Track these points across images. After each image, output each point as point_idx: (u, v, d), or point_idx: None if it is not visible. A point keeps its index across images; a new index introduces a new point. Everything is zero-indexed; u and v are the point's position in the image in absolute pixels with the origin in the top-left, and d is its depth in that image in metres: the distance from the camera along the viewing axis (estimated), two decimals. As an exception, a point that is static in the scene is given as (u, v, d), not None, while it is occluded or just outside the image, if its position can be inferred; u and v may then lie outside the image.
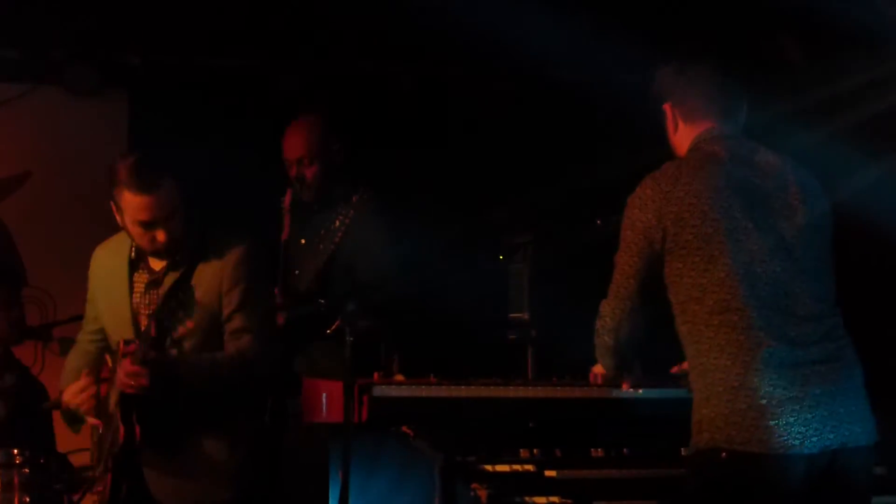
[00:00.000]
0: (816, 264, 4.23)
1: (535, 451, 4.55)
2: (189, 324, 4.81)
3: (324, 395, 4.80)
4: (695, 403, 4.15)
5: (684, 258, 4.14)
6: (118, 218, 5.00)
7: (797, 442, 3.99)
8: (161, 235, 4.93)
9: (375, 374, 4.68)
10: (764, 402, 4.02)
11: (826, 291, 4.23)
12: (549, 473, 4.47)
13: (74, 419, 5.15)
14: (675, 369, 4.72)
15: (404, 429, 4.52)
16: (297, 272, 5.85)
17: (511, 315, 5.26)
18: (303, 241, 5.94)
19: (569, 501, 4.40)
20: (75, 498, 5.60)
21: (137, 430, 4.90)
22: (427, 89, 7.37)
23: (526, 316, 5.20)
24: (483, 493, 4.33)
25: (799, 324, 4.13)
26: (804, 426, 4.02)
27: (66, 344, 6.42)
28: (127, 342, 4.88)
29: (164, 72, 7.28)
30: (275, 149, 6.03)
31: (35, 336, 6.75)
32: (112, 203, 4.98)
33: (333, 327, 4.98)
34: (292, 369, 5.71)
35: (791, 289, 4.15)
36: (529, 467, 4.48)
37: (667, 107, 4.40)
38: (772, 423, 3.99)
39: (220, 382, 4.97)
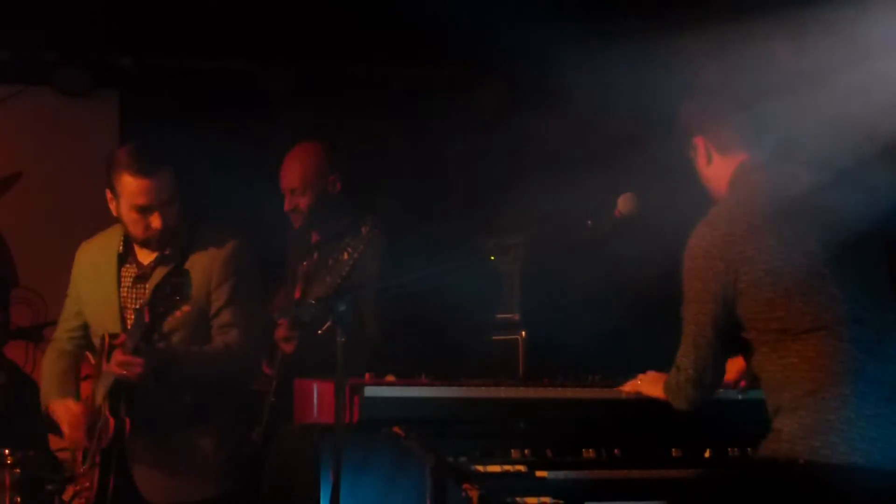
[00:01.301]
0: (875, 275, 4.26)
1: (526, 451, 4.53)
2: (178, 314, 4.84)
3: (315, 394, 4.80)
4: (774, 413, 4.17)
5: (758, 295, 4.15)
6: (113, 206, 5.05)
7: (879, 457, 4.01)
8: (156, 221, 4.97)
9: (367, 375, 4.67)
10: (853, 415, 4.04)
11: (891, 301, 4.25)
12: (541, 474, 4.45)
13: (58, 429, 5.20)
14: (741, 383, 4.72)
15: (395, 429, 4.50)
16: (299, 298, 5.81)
17: (502, 316, 5.26)
18: (305, 265, 5.92)
19: (560, 502, 4.39)
20: (66, 498, 5.59)
21: (128, 423, 4.92)
22: (416, 90, 7.37)
23: (516, 317, 5.21)
24: (474, 494, 4.31)
25: (873, 341, 4.16)
26: (886, 442, 4.04)
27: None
28: (113, 336, 4.90)
29: (155, 73, 7.30)
30: (264, 150, 6.03)
31: (26, 336, 6.76)
32: (108, 191, 5.04)
33: (324, 328, 4.95)
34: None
35: (867, 307, 4.17)
36: (520, 468, 4.46)
37: (699, 140, 4.39)
38: (857, 436, 4.01)
39: (208, 373, 5.02)
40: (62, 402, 5.12)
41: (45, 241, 7.40)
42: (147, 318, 4.86)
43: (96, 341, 5.15)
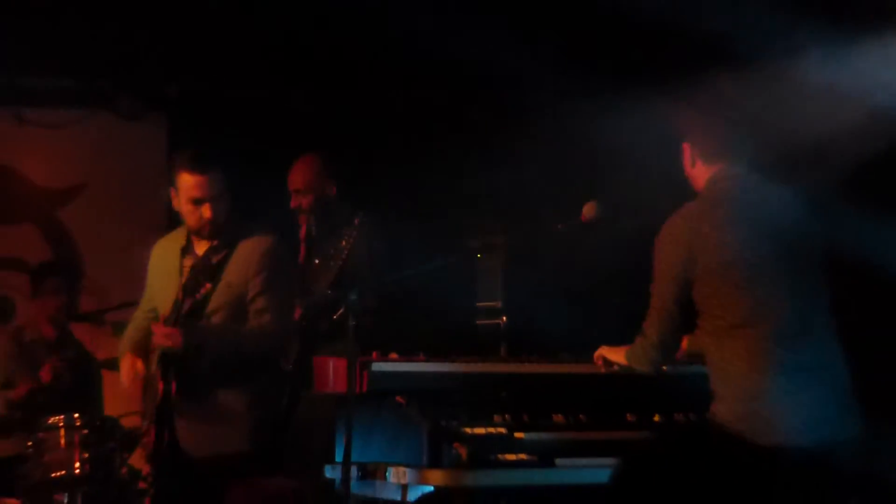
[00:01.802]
0: (814, 282, 4.27)
1: (506, 416, 4.54)
2: (216, 296, 4.93)
3: (331, 369, 4.82)
4: (712, 395, 4.18)
5: (710, 281, 4.16)
6: (175, 202, 5.09)
7: (799, 436, 4.03)
8: (207, 212, 5.00)
9: (374, 353, 4.67)
10: (774, 404, 4.05)
11: (822, 307, 4.25)
12: (519, 435, 4.46)
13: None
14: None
15: (398, 398, 4.52)
16: (313, 288, 5.82)
17: (486, 304, 5.26)
18: (316, 262, 5.94)
19: (534, 458, 4.39)
20: (125, 455, 5.60)
21: (174, 385, 4.93)
22: (414, 110, 7.36)
23: (499, 304, 5.21)
24: (463, 452, 4.30)
25: (802, 337, 4.16)
26: (804, 423, 4.04)
27: (117, 326, 6.44)
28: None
29: (197, 100, 7.28)
30: (287, 162, 6.05)
31: (90, 319, 6.76)
32: (172, 189, 5.07)
33: (339, 314, 4.97)
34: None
35: (797, 306, 4.18)
36: (502, 430, 4.46)
37: (686, 146, 4.39)
38: (779, 420, 4.02)
39: (241, 349, 5.01)
40: (130, 358, 5.13)
41: (106, 239, 7.42)
42: (180, 296, 4.92)
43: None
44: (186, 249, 5.16)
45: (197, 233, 5.12)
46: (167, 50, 7.00)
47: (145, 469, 5.20)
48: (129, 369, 5.11)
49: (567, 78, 6.09)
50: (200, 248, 5.14)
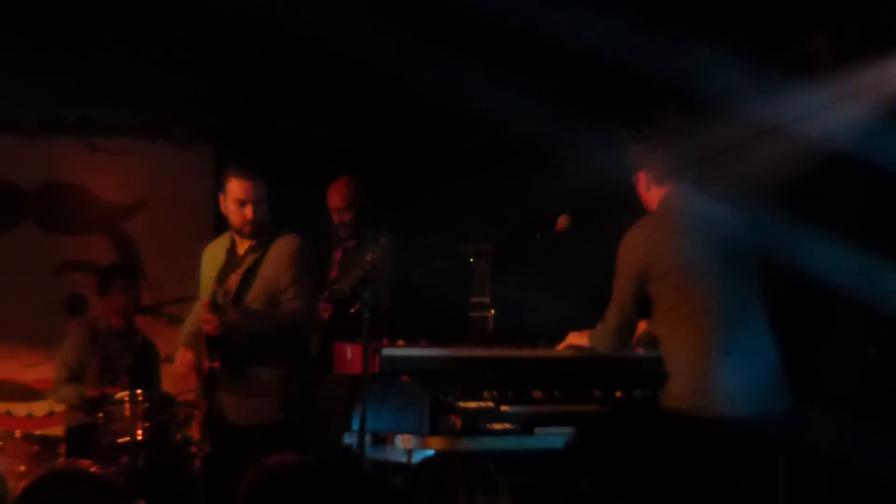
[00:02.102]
0: (750, 280, 4.30)
1: (493, 392, 4.55)
2: (256, 292, 4.92)
3: (349, 354, 4.85)
4: (666, 375, 4.23)
5: (663, 280, 4.20)
6: (223, 206, 5.10)
7: (738, 408, 4.07)
8: (249, 213, 5.02)
9: (384, 340, 4.70)
10: (717, 382, 4.10)
11: (759, 300, 4.30)
12: (504, 408, 4.49)
13: None
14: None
15: (404, 378, 4.55)
16: (337, 287, 5.80)
17: (477, 299, 5.27)
18: (343, 267, 5.91)
19: (517, 427, 4.44)
20: (179, 426, 5.65)
21: (218, 363, 4.96)
22: (420, 142, 7.37)
23: (487, 300, 5.22)
24: (458, 422, 4.35)
25: (741, 325, 4.19)
26: (743, 398, 4.09)
27: (172, 318, 6.49)
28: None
29: (239, 131, 7.28)
30: (316, 184, 6.05)
31: (150, 312, 6.77)
32: (221, 195, 5.09)
33: (355, 308, 4.99)
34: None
35: (736, 299, 4.21)
36: (490, 404, 4.49)
37: (641, 174, 4.42)
38: (721, 396, 4.07)
39: (271, 327, 5.02)
40: (183, 351, 5.12)
41: (162, 245, 7.43)
42: (214, 287, 4.96)
43: None
44: (231, 250, 5.18)
45: (239, 231, 5.11)
46: (213, 88, 7.00)
47: (196, 436, 5.23)
48: (181, 361, 5.12)
49: (543, 116, 6.13)
50: (242, 247, 5.15)
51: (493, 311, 5.18)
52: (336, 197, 5.95)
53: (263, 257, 5.07)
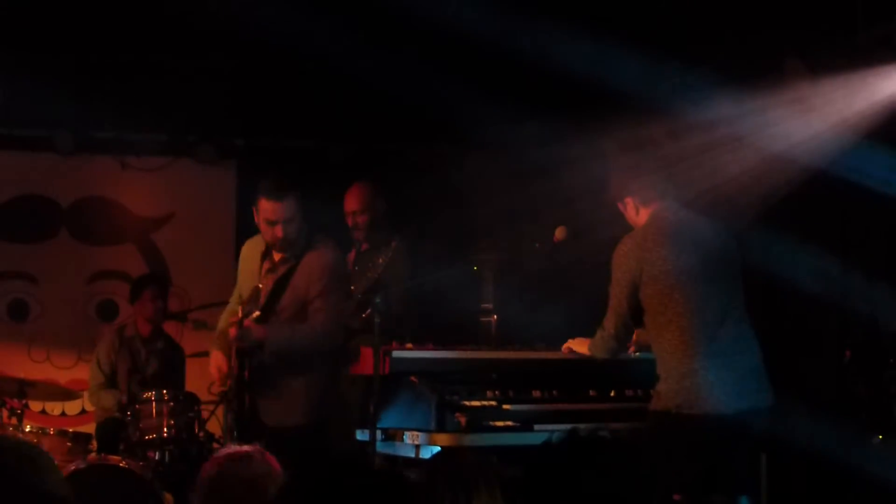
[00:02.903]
0: (732, 287, 4.27)
1: (496, 392, 4.55)
2: (286, 301, 4.80)
3: (361, 356, 4.82)
4: (657, 378, 4.21)
5: (652, 286, 4.19)
6: (256, 218, 4.95)
7: (722, 407, 4.06)
8: (279, 231, 4.87)
9: (393, 343, 4.69)
10: (701, 381, 4.08)
11: (740, 304, 4.28)
12: (506, 406, 4.48)
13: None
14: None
15: (412, 378, 4.54)
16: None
17: (482, 305, 5.24)
18: (356, 269, 5.79)
19: (518, 424, 4.42)
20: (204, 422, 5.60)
21: (247, 371, 4.87)
22: (428, 159, 7.36)
23: (491, 305, 5.19)
24: (463, 419, 4.34)
25: (723, 328, 4.18)
26: (726, 396, 4.07)
27: (198, 323, 6.47)
28: (244, 312, 4.88)
29: (259, 150, 7.29)
30: (330, 199, 6.01)
31: (177, 318, 6.75)
32: (253, 208, 4.95)
33: (367, 313, 4.95)
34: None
35: (719, 304, 4.19)
36: (493, 403, 4.48)
37: (628, 200, 4.40)
38: (706, 394, 4.05)
39: (294, 344, 4.90)
40: (216, 356, 5.01)
41: (189, 256, 7.40)
42: (244, 306, 4.84)
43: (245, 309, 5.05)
44: (266, 254, 5.03)
45: (271, 246, 4.99)
46: (236, 111, 7.01)
47: (218, 433, 5.16)
48: (213, 364, 5.01)
49: (544, 135, 6.13)
50: (277, 255, 5.00)
51: (495, 316, 5.16)
52: (352, 201, 5.85)
53: (296, 267, 4.91)
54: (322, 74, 6.20)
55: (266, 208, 4.88)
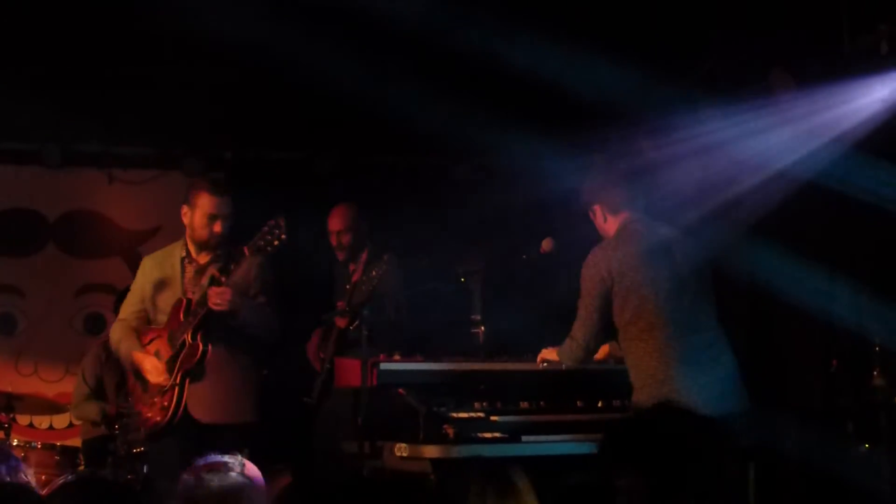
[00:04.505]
0: (703, 295, 4.28)
1: (484, 403, 4.55)
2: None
3: (349, 368, 4.81)
4: (632, 388, 4.22)
5: (624, 297, 4.20)
6: (186, 218, 4.95)
7: (701, 410, 3.99)
8: (218, 227, 4.89)
9: (381, 355, 4.67)
10: (679, 387, 4.10)
11: (712, 313, 4.29)
12: (493, 418, 4.48)
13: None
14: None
15: (400, 390, 4.52)
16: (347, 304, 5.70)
17: (469, 317, 5.24)
18: (346, 287, 5.74)
19: (506, 436, 4.41)
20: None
21: (209, 348, 4.79)
22: (416, 171, 7.36)
23: (479, 317, 5.19)
24: (451, 431, 4.33)
25: (696, 335, 4.18)
26: (703, 401, 4.07)
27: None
28: (191, 301, 4.81)
29: (246, 163, 7.27)
30: (316, 211, 6.00)
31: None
32: (185, 206, 4.94)
33: (354, 325, 4.93)
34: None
35: (690, 313, 4.20)
36: (480, 414, 4.48)
37: (597, 208, 4.41)
38: (684, 398, 4.04)
39: (262, 317, 4.88)
40: (146, 356, 4.90)
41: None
42: (216, 275, 4.76)
43: (161, 318, 4.97)
44: (188, 259, 5.00)
45: (205, 243, 4.94)
46: (223, 124, 6.99)
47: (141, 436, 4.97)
48: (152, 366, 4.86)
49: (528, 149, 6.13)
50: (202, 258, 4.99)
51: (482, 328, 5.15)
52: (335, 220, 5.90)
53: (229, 265, 4.82)
54: (309, 87, 6.20)
55: (207, 204, 4.90)
